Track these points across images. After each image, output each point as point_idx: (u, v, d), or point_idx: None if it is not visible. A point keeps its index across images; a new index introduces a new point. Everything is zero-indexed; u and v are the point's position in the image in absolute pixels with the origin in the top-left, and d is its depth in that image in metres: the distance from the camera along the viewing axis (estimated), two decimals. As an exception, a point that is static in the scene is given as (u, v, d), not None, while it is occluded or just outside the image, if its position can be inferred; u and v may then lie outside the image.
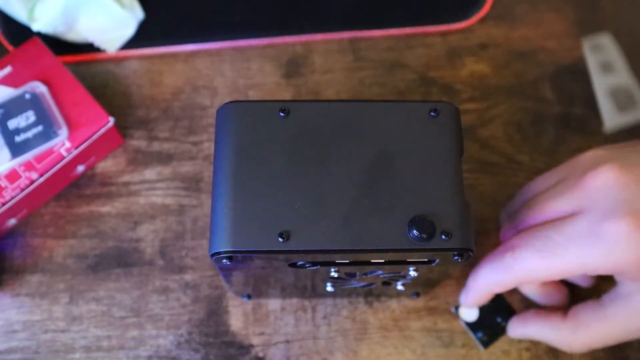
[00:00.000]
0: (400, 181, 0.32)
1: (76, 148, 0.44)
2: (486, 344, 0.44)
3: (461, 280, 0.45)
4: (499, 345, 0.44)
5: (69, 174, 0.46)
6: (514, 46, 0.52)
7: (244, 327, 0.44)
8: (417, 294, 0.44)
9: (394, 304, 0.45)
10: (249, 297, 0.44)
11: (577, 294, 0.45)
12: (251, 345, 0.43)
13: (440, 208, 0.31)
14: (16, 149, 0.43)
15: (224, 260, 0.31)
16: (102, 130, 0.45)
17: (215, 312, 0.44)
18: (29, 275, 0.45)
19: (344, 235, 0.31)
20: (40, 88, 0.44)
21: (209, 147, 0.48)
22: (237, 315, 0.44)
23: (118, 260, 0.45)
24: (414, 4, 0.52)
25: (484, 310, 0.44)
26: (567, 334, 0.40)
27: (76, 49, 0.50)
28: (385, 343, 0.44)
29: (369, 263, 0.34)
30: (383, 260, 0.33)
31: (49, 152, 0.44)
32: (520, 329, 0.43)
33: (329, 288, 0.40)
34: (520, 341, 0.44)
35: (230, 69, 0.51)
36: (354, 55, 0.51)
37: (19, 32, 0.49)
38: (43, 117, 0.43)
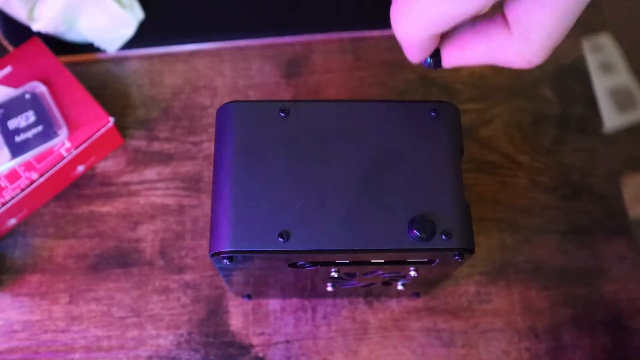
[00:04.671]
0: (400, 181, 0.32)
1: (76, 148, 0.44)
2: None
3: (461, 281, 0.45)
4: (499, 345, 0.44)
5: (69, 174, 0.46)
6: (514, 46, 0.52)
7: (244, 327, 0.44)
8: (417, 294, 0.44)
9: (394, 304, 0.45)
10: (249, 297, 0.44)
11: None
12: (251, 345, 0.43)
13: (440, 208, 0.31)
14: (16, 149, 0.43)
15: (224, 260, 0.31)
16: (102, 130, 0.45)
17: (215, 312, 0.44)
18: (29, 275, 0.45)
19: (344, 235, 0.31)
20: (40, 88, 0.44)
21: (209, 147, 0.48)
22: (237, 315, 0.44)
23: (118, 260, 0.45)
24: (414, 4, 0.52)
25: None
26: (521, 44, 0.30)
27: (76, 49, 0.50)
28: (385, 343, 0.44)
29: (369, 263, 0.34)
30: (383, 260, 0.33)
31: (49, 152, 0.43)
32: (456, 55, 0.32)
33: (329, 288, 0.40)
34: (520, 341, 0.44)
35: (230, 69, 0.51)
36: (354, 55, 0.51)
37: (19, 32, 0.49)
38: (43, 117, 0.43)
